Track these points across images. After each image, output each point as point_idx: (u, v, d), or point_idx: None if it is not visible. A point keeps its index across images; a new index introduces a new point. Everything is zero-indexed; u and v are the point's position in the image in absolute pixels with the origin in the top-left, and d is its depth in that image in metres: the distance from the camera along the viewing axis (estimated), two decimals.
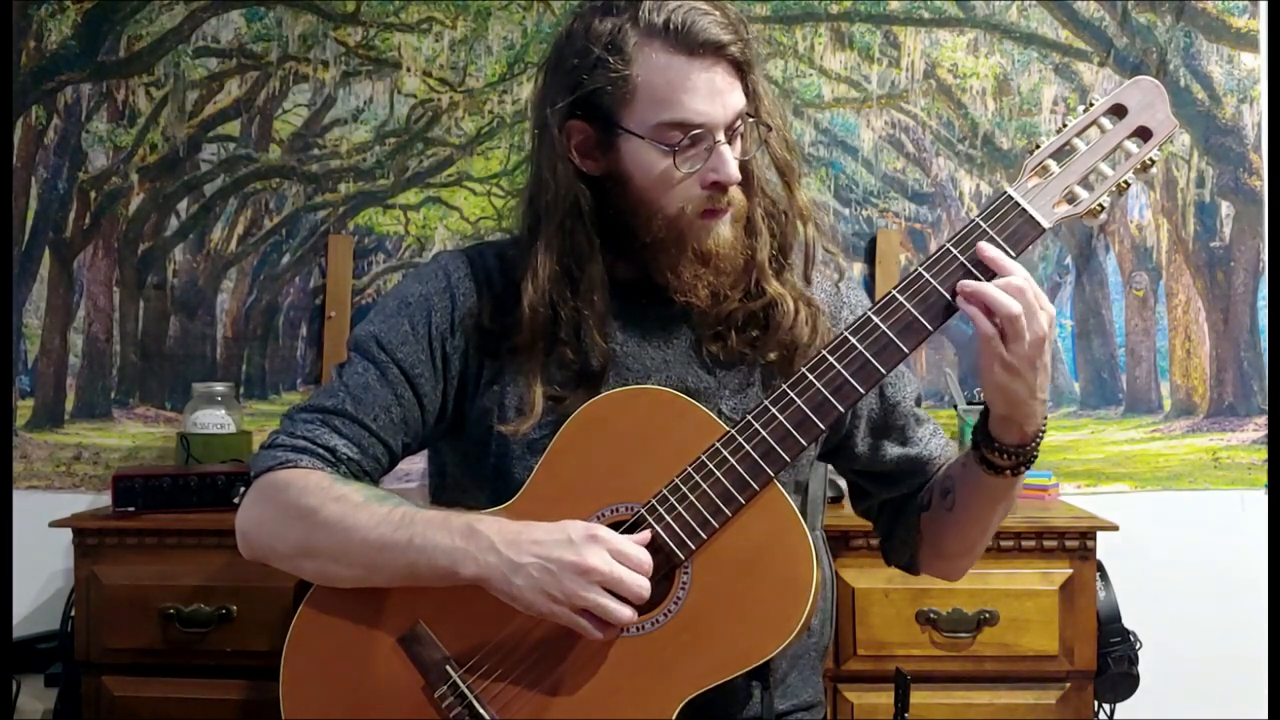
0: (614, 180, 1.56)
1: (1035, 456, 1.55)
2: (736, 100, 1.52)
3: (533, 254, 1.57)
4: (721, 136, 1.51)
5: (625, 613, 1.41)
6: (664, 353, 1.62)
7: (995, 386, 1.47)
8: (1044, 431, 1.54)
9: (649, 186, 1.54)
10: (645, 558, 1.43)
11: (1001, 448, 1.53)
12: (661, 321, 1.62)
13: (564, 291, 1.57)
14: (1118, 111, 1.50)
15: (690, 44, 1.48)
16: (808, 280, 1.64)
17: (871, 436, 1.70)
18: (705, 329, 1.61)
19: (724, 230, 1.56)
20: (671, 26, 1.48)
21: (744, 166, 1.56)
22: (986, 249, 1.45)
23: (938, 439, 1.73)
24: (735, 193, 1.55)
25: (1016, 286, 1.43)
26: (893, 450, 1.70)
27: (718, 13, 1.50)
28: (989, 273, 1.45)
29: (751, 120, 1.56)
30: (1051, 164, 1.49)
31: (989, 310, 1.43)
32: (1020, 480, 1.58)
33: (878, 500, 1.75)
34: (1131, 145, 1.49)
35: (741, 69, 1.53)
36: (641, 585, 1.42)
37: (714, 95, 1.50)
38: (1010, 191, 1.48)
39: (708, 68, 1.49)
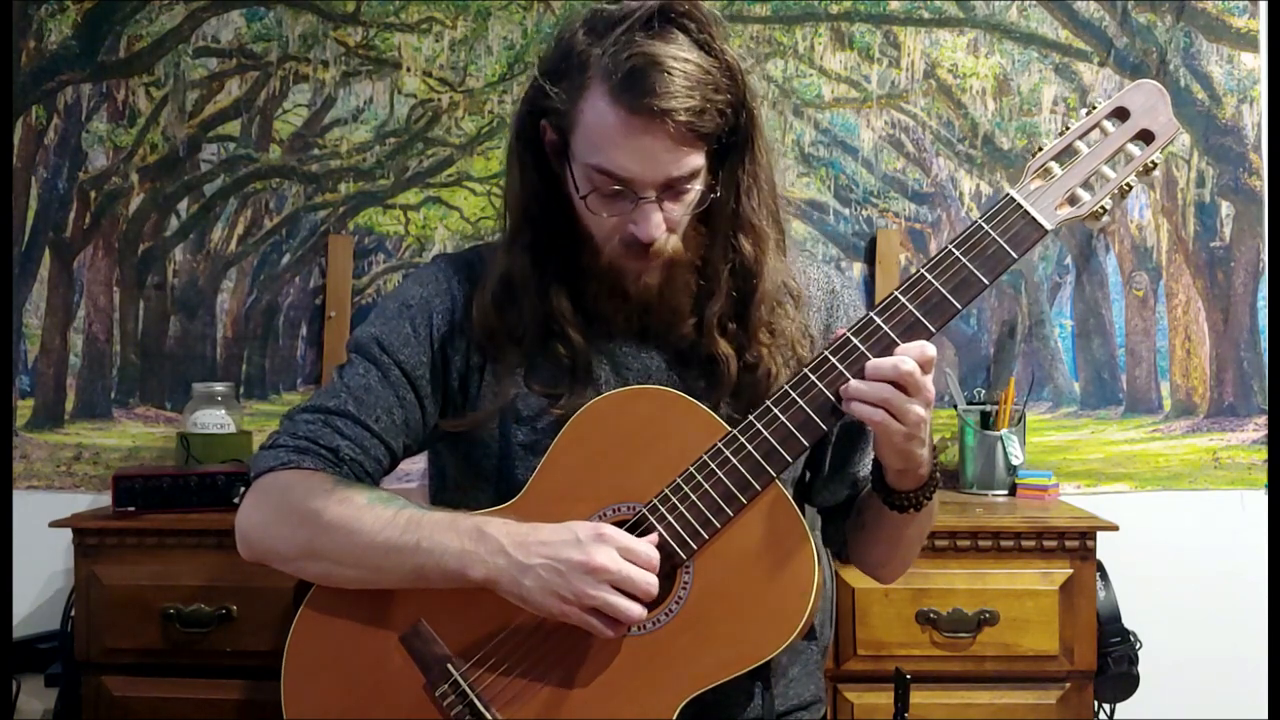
0: (566, 191, 1.56)
1: (935, 488, 1.60)
2: (675, 164, 1.46)
3: (495, 254, 1.59)
4: (650, 194, 1.47)
5: (635, 610, 1.42)
6: (664, 352, 1.62)
7: (896, 452, 1.51)
8: (938, 467, 1.60)
9: (581, 213, 1.53)
10: (653, 555, 1.44)
11: (902, 494, 1.57)
12: (652, 330, 1.62)
13: (529, 288, 1.57)
14: (1120, 114, 1.50)
15: (629, 101, 1.42)
16: (762, 339, 1.59)
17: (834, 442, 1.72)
18: (681, 353, 1.62)
19: (649, 278, 1.55)
20: (619, 75, 1.42)
21: (708, 221, 1.54)
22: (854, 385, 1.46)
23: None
24: (669, 244, 1.52)
25: (886, 381, 1.44)
26: (838, 454, 1.71)
27: (679, 72, 1.42)
28: (981, 278, 1.47)
29: (701, 188, 1.51)
30: (1054, 166, 1.49)
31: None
32: (929, 507, 1.61)
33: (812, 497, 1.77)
34: (1134, 148, 1.49)
35: (697, 132, 1.45)
36: (650, 582, 1.42)
37: (644, 158, 1.45)
38: (1012, 193, 1.48)
39: (641, 128, 1.43)
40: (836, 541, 1.76)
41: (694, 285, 1.58)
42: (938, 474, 1.60)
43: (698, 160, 1.48)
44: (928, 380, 1.45)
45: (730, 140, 1.52)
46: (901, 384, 1.44)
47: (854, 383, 1.46)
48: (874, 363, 1.45)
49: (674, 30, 1.45)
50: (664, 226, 1.50)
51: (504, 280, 1.57)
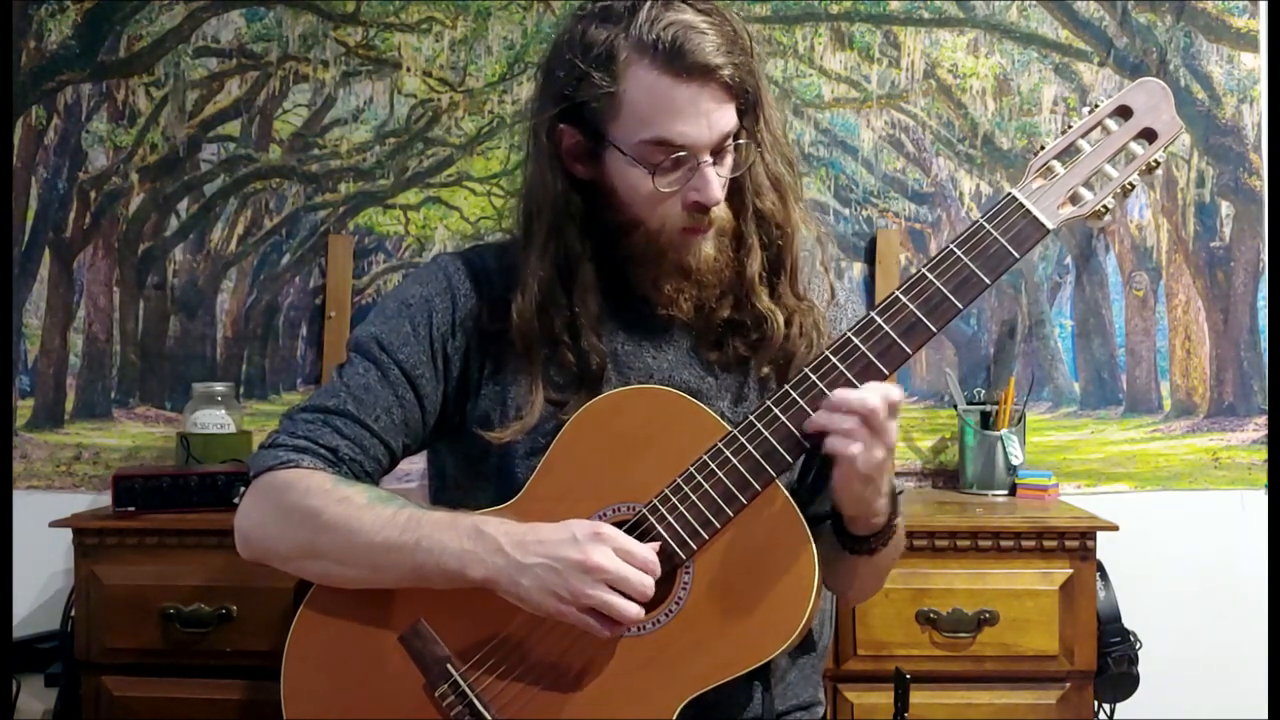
0: (600, 188, 1.57)
1: (891, 535, 1.58)
2: (725, 121, 1.51)
3: (525, 259, 1.58)
4: (707, 157, 1.50)
5: (632, 609, 1.42)
6: (666, 353, 1.62)
7: (853, 498, 1.50)
8: (898, 516, 1.58)
9: (631, 201, 1.54)
10: (650, 555, 1.44)
11: (856, 538, 1.56)
12: (659, 325, 1.62)
13: (558, 295, 1.57)
14: (1123, 113, 1.50)
15: (679, 65, 1.47)
16: (798, 295, 1.64)
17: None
18: (701, 337, 1.62)
19: (706, 247, 1.57)
20: (662, 46, 1.47)
21: (735, 181, 1.57)
22: (822, 410, 1.46)
23: None
24: (720, 210, 1.55)
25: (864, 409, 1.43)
26: (811, 476, 1.70)
27: (713, 32, 1.48)
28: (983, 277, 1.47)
29: (743, 141, 1.55)
30: (1056, 165, 1.49)
31: (846, 434, 1.44)
32: (889, 548, 1.60)
33: None
34: (1136, 147, 1.49)
35: (735, 88, 1.51)
36: (646, 583, 1.42)
37: (700, 118, 1.49)
38: (1014, 192, 1.48)
39: (696, 90, 1.48)
40: None
41: (731, 250, 1.59)
42: (897, 522, 1.58)
43: (736, 117, 1.52)
44: (892, 425, 1.45)
45: (749, 97, 1.55)
46: (865, 419, 1.43)
47: (818, 415, 1.45)
48: (840, 394, 1.44)
49: (684, 4, 1.50)
50: (721, 188, 1.53)
51: (543, 286, 1.57)
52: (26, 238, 2.93)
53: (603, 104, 1.51)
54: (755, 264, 1.60)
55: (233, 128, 2.93)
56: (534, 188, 1.59)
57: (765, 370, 1.62)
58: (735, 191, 1.58)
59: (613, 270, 1.60)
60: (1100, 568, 2.43)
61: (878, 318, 1.47)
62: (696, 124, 1.49)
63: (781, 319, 1.60)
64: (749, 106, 1.56)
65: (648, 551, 1.44)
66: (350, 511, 1.50)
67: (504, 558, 1.44)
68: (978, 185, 2.90)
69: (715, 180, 1.51)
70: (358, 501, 1.51)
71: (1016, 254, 1.47)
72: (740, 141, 1.55)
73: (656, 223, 1.54)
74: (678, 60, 1.47)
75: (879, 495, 1.51)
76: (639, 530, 1.48)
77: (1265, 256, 2.84)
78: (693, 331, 1.62)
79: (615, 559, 1.41)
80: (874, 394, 1.43)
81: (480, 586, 1.46)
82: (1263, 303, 2.85)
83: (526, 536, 1.45)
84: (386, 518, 1.49)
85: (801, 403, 1.47)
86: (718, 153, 1.52)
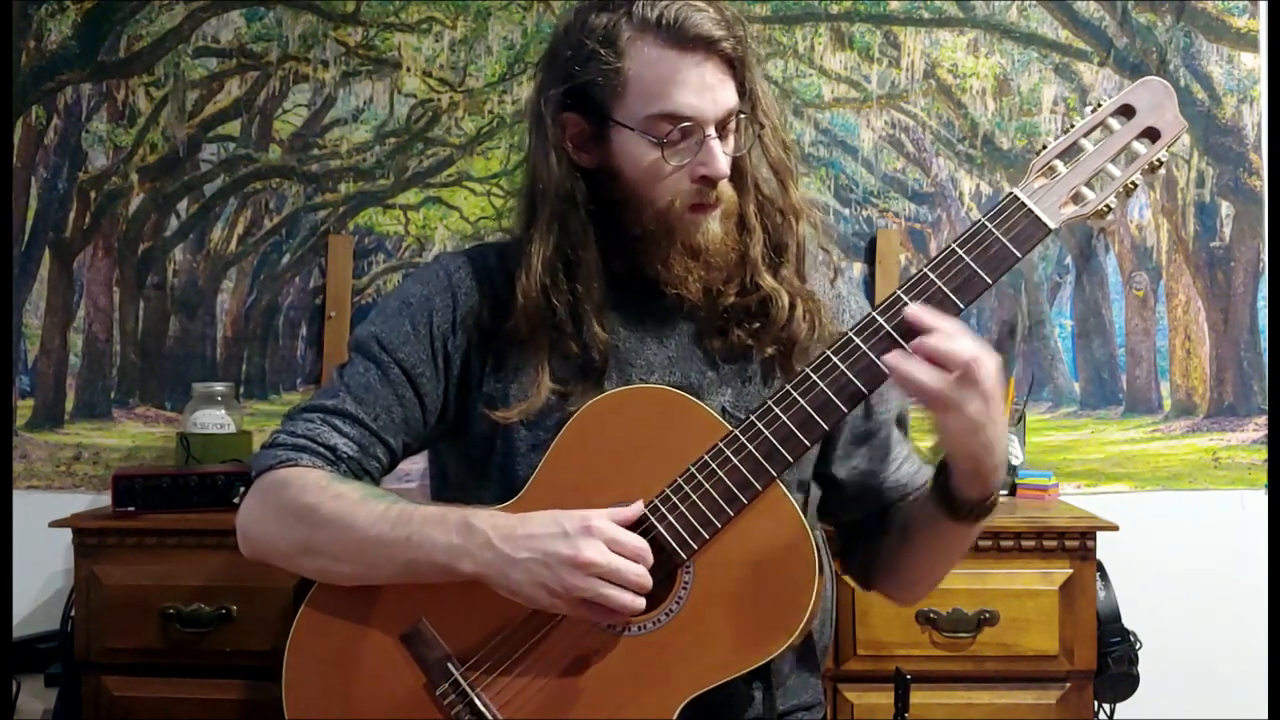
0: (606, 173, 1.58)
1: (996, 505, 1.54)
2: (728, 96, 1.53)
3: (529, 243, 1.58)
4: (711, 131, 1.52)
5: (628, 598, 1.41)
6: (666, 348, 1.62)
7: (965, 451, 1.46)
8: (1001, 484, 1.54)
9: (639, 179, 1.55)
10: (642, 545, 1.43)
11: (964, 503, 1.52)
12: (662, 315, 1.62)
13: (560, 279, 1.57)
14: (1126, 112, 1.50)
15: (682, 38, 1.50)
16: (801, 278, 1.65)
17: (850, 445, 1.70)
18: (706, 323, 1.62)
19: (713, 225, 1.57)
20: (664, 21, 1.50)
21: (736, 163, 1.58)
22: (912, 312, 1.43)
23: (908, 466, 1.71)
24: (725, 188, 1.56)
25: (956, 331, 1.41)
26: (861, 466, 1.69)
27: (711, 9, 1.52)
28: (984, 277, 1.46)
29: (744, 117, 1.57)
30: (1058, 164, 1.49)
31: (943, 364, 1.40)
32: (980, 525, 1.57)
33: (836, 517, 1.75)
34: (1139, 146, 1.49)
35: (735, 65, 1.54)
36: (641, 574, 1.42)
37: (704, 90, 1.51)
38: (1016, 192, 1.48)
39: (699, 62, 1.51)
40: (861, 563, 1.73)
41: (735, 233, 1.60)
42: (999, 489, 1.54)
43: (736, 95, 1.55)
44: (982, 371, 1.40)
45: (747, 77, 1.57)
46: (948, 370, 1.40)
47: (920, 344, 1.41)
48: (925, 343, 1.41)
49: None
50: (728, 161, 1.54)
51: (546, 266, 1.57)
52: (26, 238, 2.93)
53: (608, 83, 1.52)
54: (758, 246, 1.61)
55: (233, 128, 2.93)
56: (537, 174, 1.59)
57: (769, 352, 1.62)
58: (737, 174, 1.59)
59: (617, 258, 1.60)
60: (1100, 568, 2.43)
61: (879, 317, 1.47)
62: (701, 96, 1.51)
63: (786, 299, 1.60)
64: (747, 90, 1.57)
65: (639, 540, 1.43)
66: (344, 507, 1.50)
67: (493, 552, 1.44)
68: (978, 185, 2.90)
69: (721, 154, 1.53)
70: (351, 498, 1.51)
71: (1018, 254, 1.46)
72: (742, 116, 1.56)
73: (664, 201, 1.55)
74: (680, 33, 1.50)
75: (993, 444, 1.45)
76: (639, 530, 1.47)
77: (1265, 256, 2.84)
78: (697, 318, 1.62)
79: (606, 552, 1.41)
80: (961, 345, 1.39)
81: (472, 581, 1.46)
82: (1263, 303, 2.85)
83: (516, 530, 1.44)
84: (379, 513, 1.49)
85: (802, 402, 1.47)
86: (721, 129, 1.54)
